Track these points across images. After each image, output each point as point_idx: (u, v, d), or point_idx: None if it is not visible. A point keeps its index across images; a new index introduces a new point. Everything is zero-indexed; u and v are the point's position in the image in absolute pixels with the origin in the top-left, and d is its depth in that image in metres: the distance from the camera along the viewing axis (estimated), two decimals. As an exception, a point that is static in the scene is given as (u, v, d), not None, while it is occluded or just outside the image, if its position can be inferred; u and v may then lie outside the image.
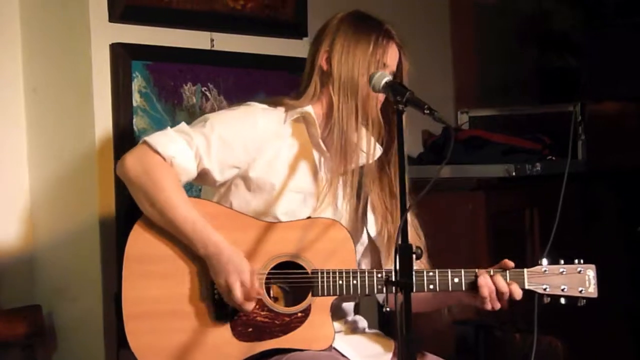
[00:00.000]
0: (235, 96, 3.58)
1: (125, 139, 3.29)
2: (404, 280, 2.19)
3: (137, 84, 3.42)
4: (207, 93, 3.61)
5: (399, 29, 4.29)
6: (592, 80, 4.14)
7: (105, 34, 3.34)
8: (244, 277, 2.56)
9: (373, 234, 2.82)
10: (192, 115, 3.47)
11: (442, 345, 3.68)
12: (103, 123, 3.34)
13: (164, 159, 2.62)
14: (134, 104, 3.41)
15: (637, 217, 4.14)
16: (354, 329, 2.84)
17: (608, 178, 4.08)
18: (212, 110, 3.55)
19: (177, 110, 3.51)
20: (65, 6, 3.39)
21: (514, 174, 3.86)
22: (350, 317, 2.86)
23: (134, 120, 3.40)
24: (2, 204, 3.46)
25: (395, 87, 2.41)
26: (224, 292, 2.59)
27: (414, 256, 2.23)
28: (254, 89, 3.64)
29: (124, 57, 3.37)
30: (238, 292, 2.55)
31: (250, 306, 2.58)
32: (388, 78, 2.48)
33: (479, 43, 4.80)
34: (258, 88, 3.65)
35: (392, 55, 2.75)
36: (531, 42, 4.72)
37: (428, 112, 2.34)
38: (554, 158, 4.00)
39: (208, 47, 3.62)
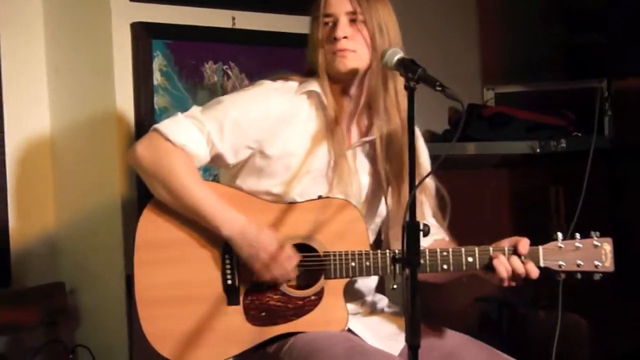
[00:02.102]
0: (257, 73, 3.48)
1: (146, 118, 3.30)
2: (409, 257, 2.16)
3: (158, 62, 3.43)
4: (229, 71, 3.62)
5: (425, 6, 4.33)
6: (618, 56, 4.07)
7: (126, 13, 3.36)
8: (289, 252, 2.55)
9: (390, 204, 2.77)
10: (213, 93, 3.49)
11: (465, 322, 3.65)
12: (124, 102, 3.36)
13: (175, 146, 2.59)
14: (155, 82, 3.43)
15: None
16: (372, 309, 2.81)
17: (635, 155, 4.02)
18: (234, 88, 3.56)
19: (198, 88, 3.52)
20: None
21: (538, 150, 3.83)
22: (370, 298, 2.82)
23: (155, 99, 3.42)
24: (26, 185, 3.49)
25: (407, 64, 2.34)
26: (261, 266, 2.55)
27: (421, 233, 2.20)
28: (276, 67, 3.54)
29: (144, 36, 3.39)
30: (277, 269, 2.54)
31: (294, 274, 2.57)
32: (400, 55, 2.41)
33: (505, 20, 4.77)
34: (280, 66, 3.55)
35: (332, 3, 2.64)
36: (557, 18, 4.69)
37: (440, 89, 2.27)
38: (579, 135, 3.96)
39: (229, 26, 3.63)
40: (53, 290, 3.43)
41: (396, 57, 2.41)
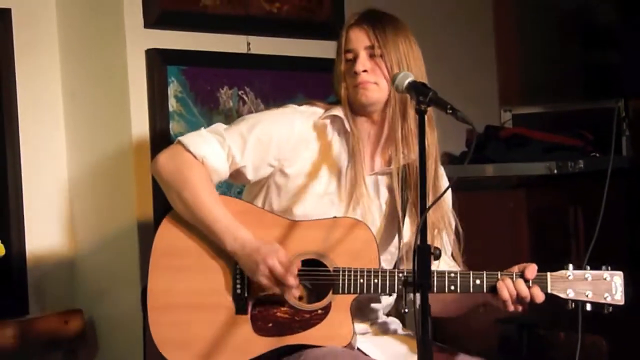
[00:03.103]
0: (273, 99, 3.60)
1: (162, 143, 3.28)
2: (421, 280, 2.15)
3: (173, 89, 3.44)
4: (244, 96, 3.62)
5: (441, 29, 4.32)
6: (635, 76, 4.07)
7: (141, 39, 3.37)
8: (279, 255, 2.55)
9: (406, 237, 2.77)
10: (229, 118, 3.47)
11: (485, 343, 3.67)
12: (140, 128, 3.37)
13: (195, 158, 2.64)
14: (170, 109, 3.44)
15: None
16: (384, 330, 2.81)
17: (654, 174, 4.00)
18: (250, 113, 3.55)
19: (214, 114, 3.52)
20: (101, 12, 3.42)
21: (555, 171, 3.80)
22: (380, 319, 2.83)
23: (171, 124, 3.43)
24: (43, 209, 3.50)
25: (417, 88, 2.34)
26: (262, 277, 2.55)
27: (432, 257, 2.20)
28: (292, 91, 3.64)
29: (159, 62, 3.40)
30: (278, 268, 2.53)
31: (293, 281, 2.55)
32: (410, 79, 2.40)
33: (522, 41, 4.76)
34: (296, 90, 3.66)
35: (352, 39, 2.68)
36: (574, 39, 4.69)
37: (450, 111, 2.27)
38: (597, 155, 3.94)
39: (244, 51, 3.63)
40: (71, 318, 3.42)
41: (407, 81, 2.40)
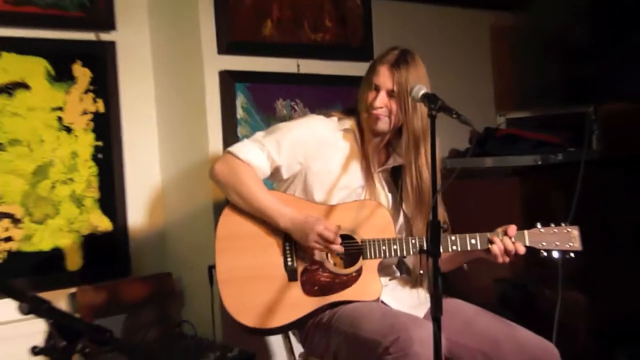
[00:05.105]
0: (317, 107, 3.58)
1: (231, 143, 3.20)
2: (432, 249, 2.18)
3: (240, 101, 3.45)
4: (295, 106, 3.62)
5: (447, 47, 4.34)
6: (603, 87, 4.07)
7: (215, 63, 3.39)
8: (324, 223, 2.59)
9: (401, 218, 2.82)
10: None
11: (485, 299, 3.57)
12: (214, 132, 3.39)
13: (243, 162, 2.67)
14: (238, 116, 3.44)
15: (640, 192, 4.08)
16: (392, 277, 2.85)
17: (617, 165, 3.99)
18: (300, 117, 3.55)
19: (271, 120, 3.52)
20: (184, 43, 3.44)
21: (540, 162, 3.81)
22: (396, 273, 2.87)
23: (238, 129, 3.43)
24: (141, 196, 3.55)
25: (429, 97, 2.34)
26: (314, 242, 2.59)
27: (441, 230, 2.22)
28: (332, 102, 3.64)
29: (229, 81, 3.41)
30: (326, 233, 2.57)
31: (339, 240, 2.60)
32: (424, 91, 2.41)
33: (513, 59, 4.73)
34: (335, 101, 3.65)
35: (380, 77, 2.66)
36: (556, 57, 4.64)
37: (456, 116, 2.28)
38: (573, 149, 3.91)
39: (295, 71, 3.63)
40: (163, 278, 3.49)
41: (421, 93, 2.42)
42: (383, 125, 2.68)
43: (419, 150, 2.67)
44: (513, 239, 2.60)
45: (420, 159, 2.69)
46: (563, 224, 2.66)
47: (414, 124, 2.64)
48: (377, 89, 2.67)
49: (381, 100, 2.66)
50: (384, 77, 2.65)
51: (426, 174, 2.67)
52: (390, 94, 2.65)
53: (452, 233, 2.68)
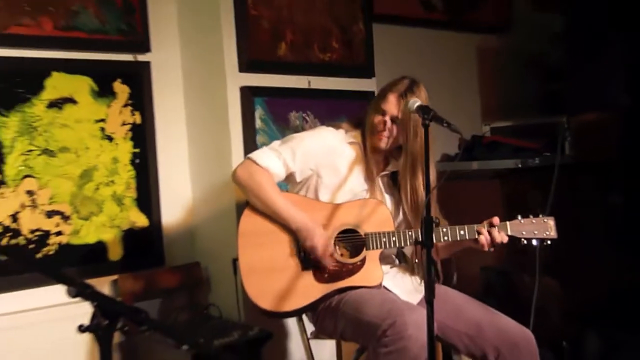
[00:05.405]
0: (326, 118, 3.57)
1: (250, 149, 3.22)
2: (426, 240, 2.19)
3: (258, 113, 3.44)
4: (306, 117, 3.61)
5: (440, 66, 4.34)
6: (574, 101, 4.07)
7: (236, 80, 3.39)
8: (323, 240, 2.60)
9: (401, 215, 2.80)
10: (296, 131, 3.38)
11: (473, 285, 3.64)
12: (236, 140, 3.38)
13: (261, 167, 2.66)
14: (257, 126, 3.44)
15: (606, 191, 4.08)
16: (392, 266, 2.83)
17: (587, 168, 3.99)
18: (310, 128, 3.55)
19: (285, 129, 3.51)
20: (210, 63, 3.43)
21: (520, 166, 3.80)
22: (395, 262, 2.86)
23: (257, 137, 3.43)
24: (173, 196, 3.54)
25: (423, 109, 2.35)
26: (310, 251, 2.61)
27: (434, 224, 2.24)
28: (338, 114, 3.62)
29: (249, 95, 3.40)
30: (319, 250, 2.59)
31: (328, 258, 2.61)
32: (418, 103, 2.43)
33: (497, 76, 4.73)
34: (340, 113, 3.63)
35: (388, 105, 2.64)
36: (534, 74, 4.65)
37: (446, 125, 2.29)
38: (548, 154, 3.89)
39: (306, 86, 3.63)
40: (192, 267, 3.49)
41: (416, 105, 2.43)
42: (383, 144, 2.68)
43: (416, 171, 2.66)
44: (497, 230, 2.59)
45: (416, 180, 2.67)
46: (541, 215, 2.64)
47: (413, 148, 2.62)
48: (383, 114, 2.65)
49: (385, 124, 2.65)
50: (391, 105, 2.64)
51: (421, 191, 2.65)
52: (394, 119, 2.64)
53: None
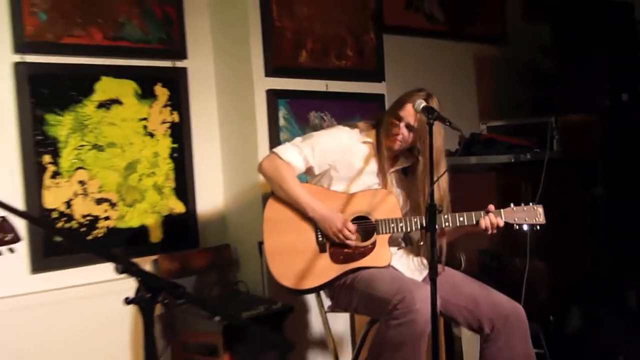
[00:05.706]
0: (342, 117, 3.56)
1: (274, 145, 3.29)
2: (430, 226, 2.18)
3: (282, 113, 3.44)
4: (324, 117, 3.60)
5: (441, 71, 4.30)
6: (561, 103, 4.04)
7: (263, 84, 3.38)
8: (337, 224, 2.59)
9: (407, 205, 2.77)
10: (315, 130, 3.45)
11: (470, 267, 3.55)
12: (262, 137, 3.38)
13: (284, 161, 2.66)
14: (280, 124, 3.43)
15: (589, 183, 4.05)
16: (399, 247, 2.81)
17: (573, 163, 3.97)
18: (328, 126, 3.53)
19: (306, 128, 3.51)
20: (239, 68, 3.42)
21: (513, 161, 3.76)
22: (401, 244, 2.84)
23: (280, 135, 3.42)
24: (206, 186, 3.51)
25: (428, 109, 2.35)
26: (331, 234, 2.59)
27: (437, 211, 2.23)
28: (352, 114, 3.62)
29: (273, 97, 3.40)
30: (339, 224, 2.57)
31: (350, 235, 2.59)
32: (424, 104, 2.41)
33: (493, 81, 4.69)
34: (355, 113, 3.63)
35: (405, 113, 2.61)
36: (527, 80, 4.63)
37: (448, 124, 2.29)
38: (538, 150, 3.85)
39: (324, 89, 3.62)
40: (223, 249, 3.48)
41: (421, 106, 2.41)
42: (396, 146, 2.67)
43: (438, 168, 2.59)
44: (494, 216, 2.56)
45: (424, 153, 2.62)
46: (531, 203, 2.62)
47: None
48: (400, 120, 2.63)
49: (401, 130, 2.63)
50: (408, 114, 2.60)
51: (442, 185, 2.62)
52: (409, 126, 2.62)
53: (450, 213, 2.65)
